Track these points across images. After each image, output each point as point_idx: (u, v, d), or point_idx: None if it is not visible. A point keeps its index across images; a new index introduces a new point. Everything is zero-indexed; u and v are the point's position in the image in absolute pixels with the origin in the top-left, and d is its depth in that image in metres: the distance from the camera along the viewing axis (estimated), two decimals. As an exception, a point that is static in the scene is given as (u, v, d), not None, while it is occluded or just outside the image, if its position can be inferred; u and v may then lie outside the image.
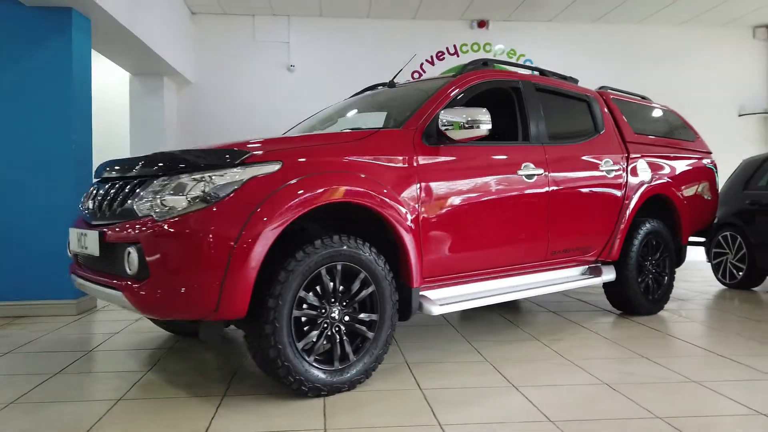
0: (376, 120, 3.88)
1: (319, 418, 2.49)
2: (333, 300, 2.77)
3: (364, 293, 2.85)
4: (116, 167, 3.01)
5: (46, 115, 4.74)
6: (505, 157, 3.60)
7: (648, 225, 4.61)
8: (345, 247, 2.76)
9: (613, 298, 4.70)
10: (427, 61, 8.22)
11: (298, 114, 7.90)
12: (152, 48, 6.09)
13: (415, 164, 3.12)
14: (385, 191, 2.92)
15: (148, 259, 2.47)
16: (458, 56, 8.26)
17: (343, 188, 2.76)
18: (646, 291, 4.66)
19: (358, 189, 2.81)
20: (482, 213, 3.41)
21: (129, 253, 2.53)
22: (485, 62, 3.90)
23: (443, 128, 3.19)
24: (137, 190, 2.69)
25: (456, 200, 3.28)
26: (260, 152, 2.66)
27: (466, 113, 3.15)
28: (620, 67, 8.41)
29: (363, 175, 2.89)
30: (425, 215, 3.11)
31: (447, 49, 8.26)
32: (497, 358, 3.41)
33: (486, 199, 3.43)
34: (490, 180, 3.47)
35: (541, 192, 3.73)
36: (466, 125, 3.14)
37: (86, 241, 2.85)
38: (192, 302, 2.45)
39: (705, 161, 5.38)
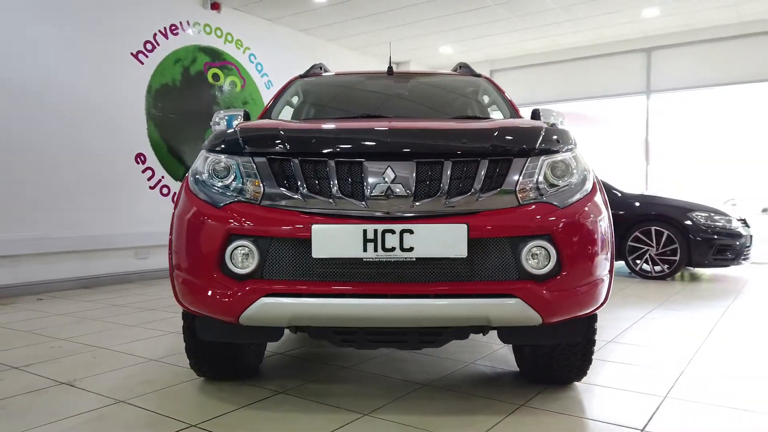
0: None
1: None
2: None
3: None
4: (418, 141, 2.28)
5: None
6: None
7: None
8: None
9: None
10: (160, 32, 7.04)
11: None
12: None
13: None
14: None
15: (564, 253, 2.14)
16: (192, 34, 7.43)
17: None
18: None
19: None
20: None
21: (539, 248, 2.11)
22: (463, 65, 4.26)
23: None
24: (507, 172, 2.18)
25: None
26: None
27: (555, 113, 3.60)
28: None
29: None
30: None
31: (181, 23, 7.29)
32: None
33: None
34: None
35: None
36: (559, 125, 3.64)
37: (412, 240, 2.04)
38: (597, 295, 2.29)
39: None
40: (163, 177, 7.07)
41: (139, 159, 6.80)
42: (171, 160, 7.18)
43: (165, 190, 7.09)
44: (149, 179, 6.92)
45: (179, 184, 7.20)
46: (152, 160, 6.95)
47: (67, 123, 6.07)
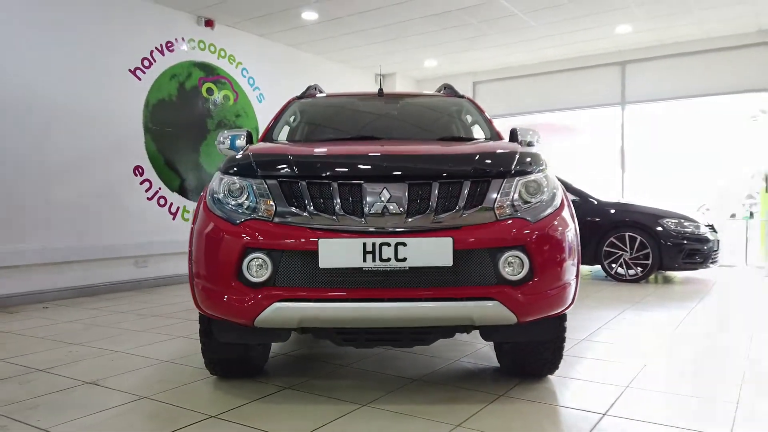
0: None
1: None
2: None
3: None
4: (409, 165, 2.63)
5: None
6: None
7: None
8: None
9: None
10: (156, 49, 7.32)
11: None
12: None
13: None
14: None
15: (535, 261, 2.49)
16: (187, 50, 7.71)
17: None
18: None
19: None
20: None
21: (514, 257, 2.45)
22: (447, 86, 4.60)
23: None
24: (487, 192, 2.53)
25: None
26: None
27: (531, 131, 3.93)
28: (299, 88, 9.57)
29: None
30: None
31: (176, 40, 7.58)
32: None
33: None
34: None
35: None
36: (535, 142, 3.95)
37: (405, 252, 2.37)
38: (565, 297, 2.63)
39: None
40: (160, 188, 7.33)
41: (137, 171, 7.07)
42: (167, 172, 7.45)
43: (162, 201, 7.36)
44: (147, 191, 7.18)
45: (175, 195, 7.50)
46: (150, 172, 7.21)
47: (70, 137, 6.33)
